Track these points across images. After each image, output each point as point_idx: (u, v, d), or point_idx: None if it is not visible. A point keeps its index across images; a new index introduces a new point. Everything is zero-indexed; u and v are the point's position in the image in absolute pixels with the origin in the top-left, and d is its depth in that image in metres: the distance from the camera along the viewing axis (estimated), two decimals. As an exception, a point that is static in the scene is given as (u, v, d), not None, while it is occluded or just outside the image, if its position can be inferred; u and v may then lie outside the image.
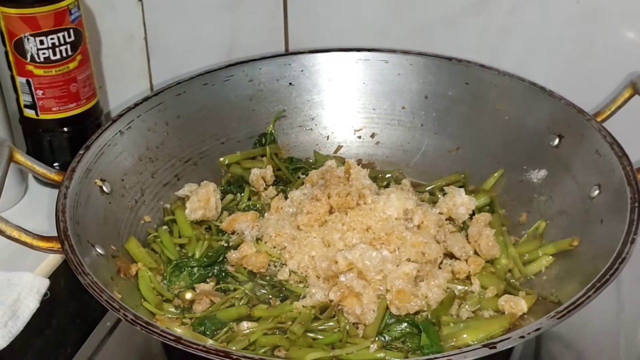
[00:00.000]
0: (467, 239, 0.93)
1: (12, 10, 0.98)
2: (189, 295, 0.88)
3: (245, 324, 0.84)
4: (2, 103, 1.06)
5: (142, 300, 0.87)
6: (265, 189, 1.03)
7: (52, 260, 0.97)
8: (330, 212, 0.92)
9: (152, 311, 0.85)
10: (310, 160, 1.10)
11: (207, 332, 0.83)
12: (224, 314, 0.85)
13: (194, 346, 0.69)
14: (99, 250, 0.86)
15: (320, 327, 0.83)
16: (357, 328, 0.83)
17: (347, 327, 0.83)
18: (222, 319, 0.84)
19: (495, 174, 1.02)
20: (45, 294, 0.92)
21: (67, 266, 0.80)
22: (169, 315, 0.86)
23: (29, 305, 0.89)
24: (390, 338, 0.82)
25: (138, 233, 0.95)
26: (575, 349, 0.93)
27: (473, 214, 0.97)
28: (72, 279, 0.79)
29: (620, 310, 0.95)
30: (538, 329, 0.71)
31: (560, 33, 1.05)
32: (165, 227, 0.98)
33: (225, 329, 0.83)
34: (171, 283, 0.91)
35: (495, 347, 0.69)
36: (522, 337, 0.70)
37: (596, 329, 0.93)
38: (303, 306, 0.85)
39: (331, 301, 0.85)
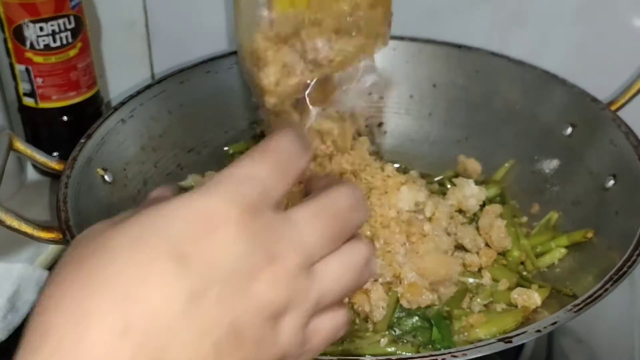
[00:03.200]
0: (478, 231, 0.91)
1: (11, -4, 0.96)
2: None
3: (251, 318, 0.82)
4: (0, 91, 1.04)
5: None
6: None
7: (52, 252, 0.95)
8: None
9: None
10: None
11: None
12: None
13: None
14: (100, 241, 0.84)
15: None
16: (367, 322, 0.82)
17: (357, 321, 0.81)
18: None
19: (506, 165, 1.01)
20: (45, 286, 0.90)
21: (68, 258, 0.78)
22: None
23: (29, 297, 0.88)
24: (401, 332, 0.80)
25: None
26: (588, 344, 0.91)
27: (484, 205, 0.95)
28: (73, 271, 0.77)
29: (633, 304, 0.94)
30: (555, 323, 0.69)
31: (573, 20, 1.03)
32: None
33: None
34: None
35: (511, 342, 0.67)
36: (539, 331, 0.68)
37: (609, 323, 0.91)
38: None
39: None
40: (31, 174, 1.09)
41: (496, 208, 0.93)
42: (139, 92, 0.99)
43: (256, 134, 1.07)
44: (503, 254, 0.90)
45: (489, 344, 0.67)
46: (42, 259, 0.95)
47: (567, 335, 0.90)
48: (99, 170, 0.90)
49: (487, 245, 0.89)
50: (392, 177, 0.92)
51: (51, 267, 0.94)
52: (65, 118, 1.06)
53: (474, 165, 1.02)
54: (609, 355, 0.90)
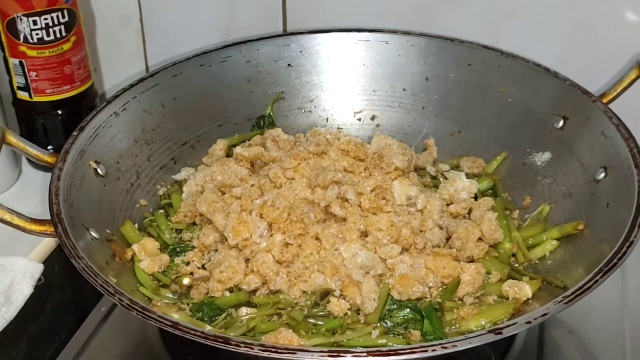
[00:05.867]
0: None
1: (4, -10, 0.96)
2: (186, 281, 0.87)
3: (244, 310, 0.82)
4: (-6, 85, 1.04)
5: (138, 285, 0.85)
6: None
7: (46, 245, 0.95)
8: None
9: (149, 296, 0.84)
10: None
11: (205, 318, 0.81)
12: (223, 300, 0.83)
13: (192, 332, 0.67)
14: (93, 233, 0.84)
15: (321, 313, 0.82)
16: (359, 314, 0.82)
17: (349, 313, 0.82)
18: (221, 305, 0.83)
19: (498, 157, 1.01)
20: (40, 279, 0.90)
21: (62, 251, 0.78)
22: (166, 301, 0.84)
23: (23, 290, 0.88)
24: (392, 324, 0.81)
25: (134, 217, 0.93)
26: (579, 335, 0.92)
27: (477, 198, 0.95)
28: (67, 264, 0.77)
29: (624, 296, 0.94)
30: (545, 314, 0.69)
31: (565, 14, 1.03)
32: (161, 211, 0.96)
33: (223, 315, 0.82)
34: (168, 268, 0.89)
35: (501, 333, 0.67)
36: (529, 322, 0.69)
37: (600, 314, 0.92)
38: (303, 291, 0.83)
39: (333, 291, 0.83)
40: (26, 168, 1.09)
41: (488, 201, 0.93)
42: (131, 86, 0.99)
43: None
44: (495, 246, 0.90)
45: (479, 335, 0.67)
46: (36, 252, 0.95)
47: (558, 327, 0.91)
48: (91, 163, 0.90)
49: (479, 238, 0.90)
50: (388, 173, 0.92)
51: (45, 260, 0.95)
52: (59, 112, 1.06)
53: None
54: (601, 346, 0.90)
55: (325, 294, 0.83)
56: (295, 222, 0.86)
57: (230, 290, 0.84)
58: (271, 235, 0.86)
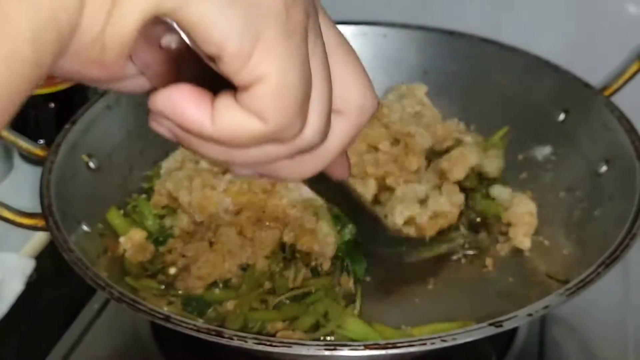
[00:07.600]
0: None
1: (-4, -20, 0.95)
2: (172, 271, 0.84)
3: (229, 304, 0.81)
4: (-15, 78, 1.03)
5: (126, 277, 0.83)
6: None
7: (37, 241, 0.94)
8: None
9: (135, 286, 0.82)
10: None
11: (195, 312, 0.80)
12: (210, 295, 0.82)
13: (184, 325, 0.65)
14: (85, 227, 0.83)
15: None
16: (319, 271, 0.82)
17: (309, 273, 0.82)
18: (208, 300, 0.81)
19: (500, 132, 1.00)
20: (31, 276, 0.89)
21: (53, 247, 0.77)
22: (154, 292, 0.82)
23: (14, 287, 0.87)
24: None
25: (126, 211, 0.92)
26: (581, 333, 0.90)
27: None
28: (59, 260, 0.75)
29: (627, 293, 0.93)
30: (546, 307, 0.68)
31: (566, 6, 1.02)
32: (144, 195, 0.94)
33: (210, 310, 0.81)
34: (154, 258, 0.86)
35: (501, 326, 0.66)
36: (530, 315, 0.67)
37: (602, 311, 0.90)
38: (266, 257, 0.83)
39: (286, 243, 0.83)
40: (18, 162, 1.08)
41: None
42: (126, 78, 0.98)
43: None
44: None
45: (479, 327, 0.66)
46: (28, 248, 0.94)
47: (560, 324, 0.89)
48: (83, 156, 0.89)
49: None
50: None
51: (38, 256, 0.94)
52: (52, 105, 1.04)
53: None
54: (602, 344, 0.89)
55: (284, 248, 0.83)
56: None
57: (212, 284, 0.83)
58: (237, 214, 0.85)
